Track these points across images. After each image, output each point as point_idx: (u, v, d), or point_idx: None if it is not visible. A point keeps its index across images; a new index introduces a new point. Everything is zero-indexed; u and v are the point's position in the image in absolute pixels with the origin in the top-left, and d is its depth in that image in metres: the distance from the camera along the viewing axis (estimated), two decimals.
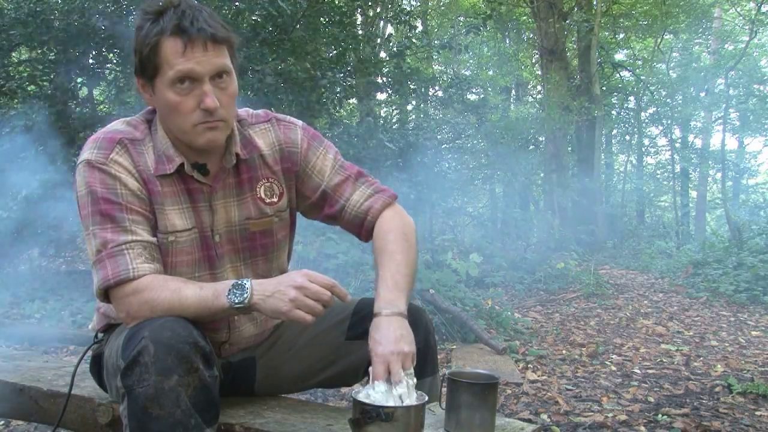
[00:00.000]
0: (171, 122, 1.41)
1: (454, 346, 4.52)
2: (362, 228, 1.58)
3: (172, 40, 1.32)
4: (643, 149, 20.22)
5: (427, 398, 1.29)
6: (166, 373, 1.22)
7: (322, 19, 7.67)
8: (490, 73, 15.58)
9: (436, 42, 11.55)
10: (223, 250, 1.51)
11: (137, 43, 1.36)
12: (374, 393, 1.27)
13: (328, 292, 1.31)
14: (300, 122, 1.62)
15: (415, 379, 1.31)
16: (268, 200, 1.54)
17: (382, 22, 11.99)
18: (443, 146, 10.15)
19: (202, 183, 1.47)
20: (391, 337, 1.31)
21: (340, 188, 1.57)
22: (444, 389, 1.47)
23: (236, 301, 1.31)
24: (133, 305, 1.35)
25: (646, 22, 16.41)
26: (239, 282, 1.33)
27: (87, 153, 1.42)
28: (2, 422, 2.62)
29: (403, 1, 12.06)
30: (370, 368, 1.31)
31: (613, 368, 4.14)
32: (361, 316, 1.47)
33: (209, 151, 1.46)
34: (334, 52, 7.74)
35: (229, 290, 1.32)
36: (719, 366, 4.19)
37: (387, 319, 1.34)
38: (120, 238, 1.37)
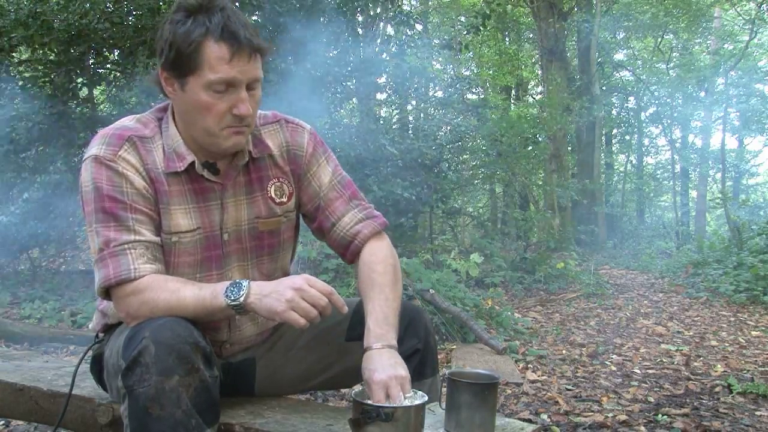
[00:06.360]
0: (198, 121, 1.39)
1: (454, 346, 4.51)
2: (347, 250, 1.58)
3: (220, 45, 1.31)
4: (643, 149, 20.23)
5: (427, 398, 1.30)
6: (167, 373, 1.22)
7: (322, 18, 7.66)
8: (490, 73, 15.57)
9: (436, 42, 11.55)
10: (231, 249, 1.52)
11: (176, 37, 1.33)
12: None
13: (325, 298, 1.31)
14: (308, 126, 1.62)
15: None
16: (278, 200, 1.55)
17: (382, 23, 11.98)
18: (443, 146, 10.13)
19: (212, 182, 1.47)
20: (386, 364, 1.32)
21: (333, 205, 1.58)
22: (444, 389, 1.48)
23: (232, 298, 1.31)
24: (133, 305, 1.36)
25: (647, 22, 16.40)
26: (238, 281, 1.34)
27: (95, 148, 1.41)
28: (2, 422, 2.62)
29: (403, 2, 12.05)
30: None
31: (613, 368, 4.14)
32: (361, 317, 1.47)
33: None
34: (335, 52, 7.74)
35: (227, 288, 1.33)
36: (719, 366, 4.19)
37: (378, 352, 1.35)
38: (123, 238, 1.37)
